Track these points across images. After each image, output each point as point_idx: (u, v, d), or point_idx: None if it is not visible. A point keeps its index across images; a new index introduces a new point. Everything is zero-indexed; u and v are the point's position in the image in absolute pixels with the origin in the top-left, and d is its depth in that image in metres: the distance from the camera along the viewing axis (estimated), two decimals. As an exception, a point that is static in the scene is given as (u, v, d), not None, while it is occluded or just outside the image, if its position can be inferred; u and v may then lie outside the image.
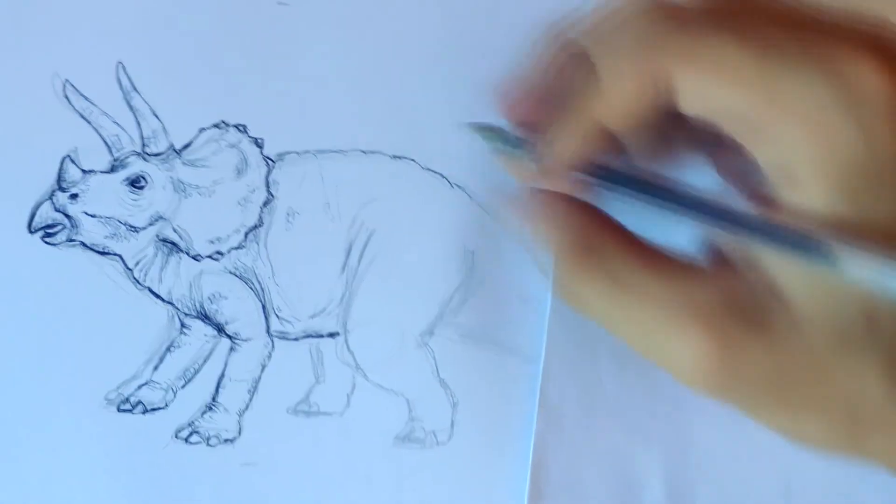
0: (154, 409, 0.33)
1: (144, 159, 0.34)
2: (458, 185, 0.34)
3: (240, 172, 0.34)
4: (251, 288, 0.34)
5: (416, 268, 0.34)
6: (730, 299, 0.24)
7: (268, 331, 0.34)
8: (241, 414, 0.33)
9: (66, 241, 0.33)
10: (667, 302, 0.24)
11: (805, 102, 0.22)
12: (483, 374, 0.34)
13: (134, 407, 0.33)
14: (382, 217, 0.34)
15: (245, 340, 0.34)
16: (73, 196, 0.33)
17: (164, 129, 0.34)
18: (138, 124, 0.33)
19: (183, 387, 0.33)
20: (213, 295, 0.34)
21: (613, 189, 0.27)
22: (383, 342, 0.34)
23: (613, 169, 0.27)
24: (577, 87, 0.26)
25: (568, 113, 0.27)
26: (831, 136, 0.22)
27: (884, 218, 0.22)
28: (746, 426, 0.32)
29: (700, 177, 0.30)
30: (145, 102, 0.33)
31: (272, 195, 0.34)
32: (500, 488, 0.34)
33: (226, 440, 0.33)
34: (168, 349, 0.33)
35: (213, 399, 0.33)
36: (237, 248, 0.34)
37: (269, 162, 0.34)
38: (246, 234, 0.34)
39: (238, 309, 0.34)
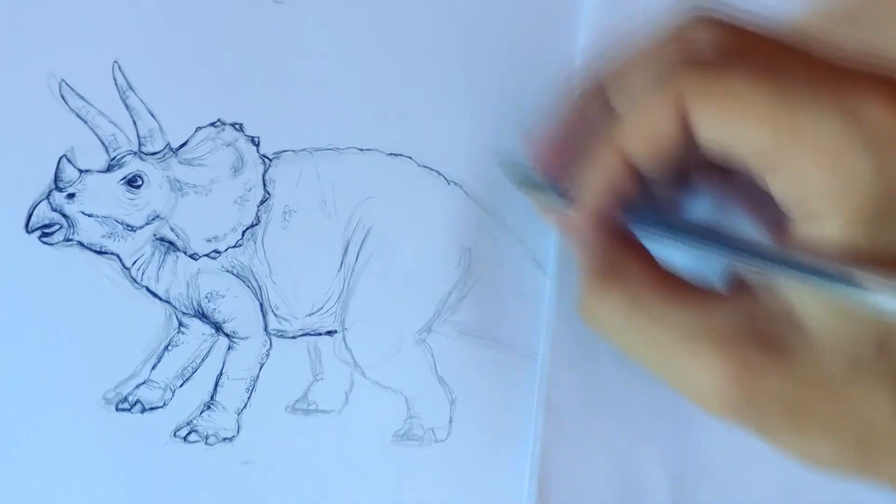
0: (152, 409, 0.33)
1: (141, 158, 0.34)
2: (454, 183, 0.34)
3: (236, 171, 0.34)
4: (248, 286, 0.34)
5: (413, 265, 0.34)
6: (748, 325, 0.24)
7: (266, 329, 0.34)
8: (239, 412, 0.33)
9: (64, 240, 0.33)
10: (686, 327, 0.25)
11: (821, 138, 0.22)
12: (481, 370, 0.34)
13: (132, 406, 0.33)
14: (379, 214, 0.34)
15: (243, 339, 0.34)
16: (70, 196, 0.33)
17: (160, 128, 0.34)
18: (135, 123, 0.33)
19: (181, 386, 0.33)
20: (211, 293, 0.34)
21: (637, 226, 0.28)
22: (381, 340, 0.34)
23: (637, 207, 0.28)
24: (600, 126, 0.27)
25: (593, 147, 0.27)
26: (847, 171, 0.22)
27: None
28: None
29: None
30: (141, 102, 0.33)
31: (269, 193, 0.34)
32: (499, 485, 0.34)
33: (224, 439, 0.33)
34: (166, 348, 0.33)
35: (212, 398, 0.33)
36: (234, 246, 0.34)
37: (266, 160, 0.34)
38: (243, 233, 0.34)
39: (236, 307, 0.34)
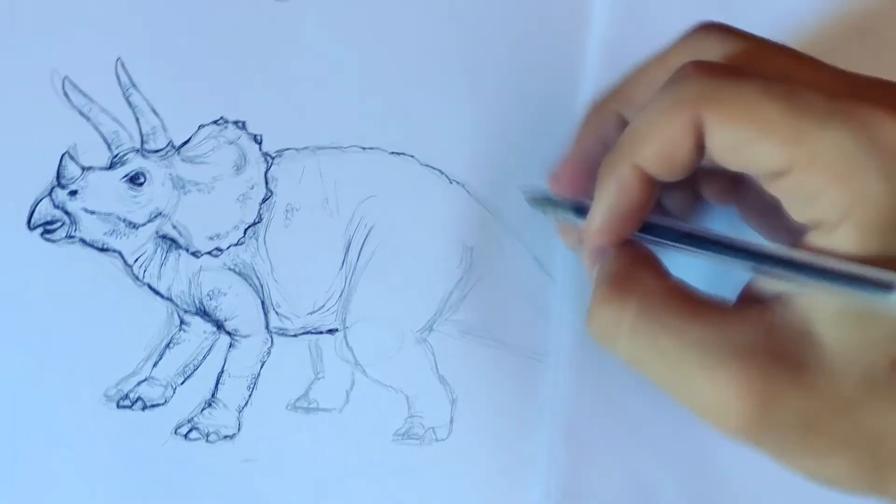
0: (153, 406, 0.33)
1: (143, 156, 0.34)
2: (457, 181, 0.34)
3: (239, 169, 0.34)
4: (250, 284, 0.34)
5: (415, 264, 0.34)
6: (765, 342, 0.24)
7: (267, 327, 0.34)
8: (240, 410, 0.33)
9: (66, 237, 0.33)
10: (702, 340, 0.24)
11: (833, 154, 0.23)
12: (482, 370, 0.34)
13: (133, 403, 0.33)
14: (381, 213, 0.34)
15: (244, 337, 0.34)
16: (73, 193, 0.33)
17: (163, 125, 0.34)
18: (137, 121, 0.33)
19: (182, 383, 0.33)
20: (213, 291, 0.34)
21: (650, 237, 0.28)
22: (382, 338, 0.34)
23: (651, 218, 0.28)
24: (614, 143, 0.27)
25: (607, 161, 0.27)
26: (859, 186, 0.22)
27: None
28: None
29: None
30: (144, 99, 0.34)
31: (271, 191, 0.34)
32: (500, 484, 0.33)
33: (225, 436, 0.33)
34: (167, 346, 0.33)
35: (213, 395, 0.33)
36: (236, 244, 0.34)
37: (268, 158, 0.34)
38: (245, 231, 0.34)
39: (237, 305, 0.34)
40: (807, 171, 0.23)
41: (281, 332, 0.34)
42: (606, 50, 0.35)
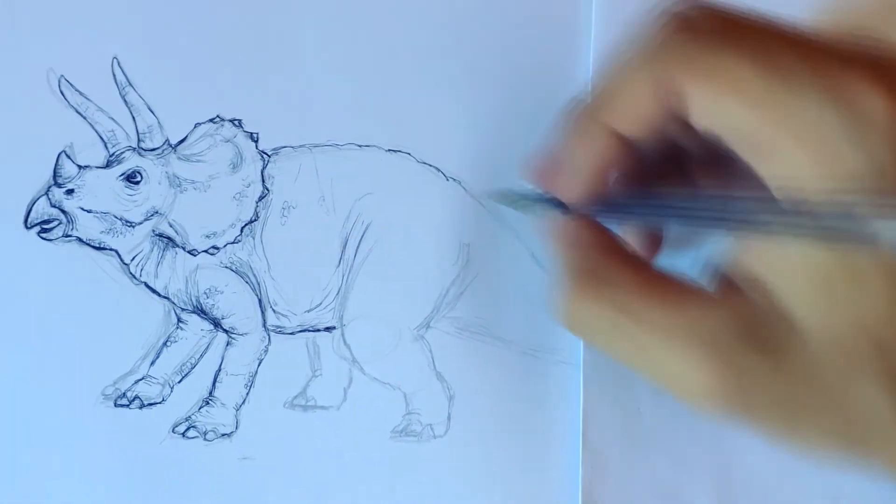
0: (151, 404, 0.33)
1: (140, 154, 0.34)
2: (453, 179, 0.34)
3: (235, 167, 0.34)
4: (247, 282, 0.34)
5: (411, 261, 0.34)
6: (736, 324, 0.24)
7: (264, 325, 0.34)
8: (238, 408, 0.33)
9: (63, 236, 0.33)
10: (671, 327, 0.25)
11: (811, 122, 0.22)
12: (479, 366, 0.34)
13: (131, 402, 0.33)
14: (378, 210, 0.34)
15: (242, 335, 0.34)
16: (69, 192, 0.33)
17: (159, 124, 0.34)
18: (134, 119, 0.34)
19: (180, 381, 0.33)
20: (210, 289, 0.34)
21: (628, 214, 0.28)
22: (380, 336, 0.34)
23: (625, 196, 0.27)
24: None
25: (579, 117, 0.27)
26: (836, 156, 0.22)
27: None
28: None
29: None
30: (140, 97, 0.34)
31: (267, 189, 0.34)
32: (498, 481, 0.33)
33: (223, 435, 0.33)
34: (165, 344, 0.33)
35: (210, 394, 0.33)
36: (233, 242, 0.34)
37: (265, 156, 0.34)
38: (242, 229, 0.34)
39: (234, 303, 0.34)
40: (784, 143, 0.23)
41: (278, 329, 0.34)
42: (603, 48, 0.35)
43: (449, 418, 0.34)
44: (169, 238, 0.34)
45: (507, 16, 0.35)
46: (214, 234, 0.34)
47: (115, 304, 0.33)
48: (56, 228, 0.33)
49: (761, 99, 0.23)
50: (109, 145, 0.33)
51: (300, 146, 0.34)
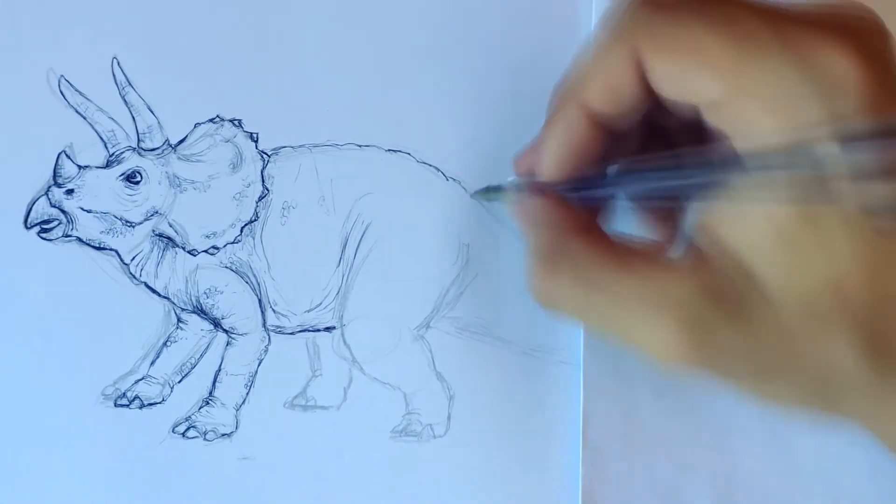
0: (151, 404, 0.33)
1: (140, 154, 0.34)
2: (453, 179, 0.34)
3: (235, 167, 0.34)
4: (247, 282, 0.34)
5: (411, 261, 0.34)
6: (703, 288, 0.24)
7: (264, 325, 0.34)
8: (238, 408, 0.33)
9: (62, 236, 0.33)
10: (637, 297, 0.25)
11: (776, 88, 0.23)
12: (479, 366, 0.34)
13: (131, 402, 0.33)
14: (378, 210, 0.34)
15: (241, 335, 0.34)
16: (69, 192, 0.33)
17: (159, 124, 0.34)
18: (133, 119, 0.34)
19: (180, 381, 0.33)
20: (210, 289, 0.34)
21: (598, 190, 0.28)
22: (380, 336, 0.34)
23: (595, 174, 0.28)
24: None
25: (556, 97, 0.27)
26: (798, 111, 0.22)
27: None
28: (791, 447, 0.33)
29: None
30: (140, 98, 0.34)
31: (267, 189, 0.34)
32: (497, 481, 0.33)
33: (223, 435, 0.33)
34: (165, 344, 0.33)
35: (210, 394, 0.33)
36: (233, 242, 0.34)
37: (265, 156, 0.34)
38: (241, 229, 0.34)
39: (234, 303, 0.34)
40: (747, 107, 0.23)
41: (278, 329, 0.34)
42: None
43: (449, 418, 0.34)
44: (169, 238, 0.34)
45: (506, 16, 0.35)
46: (214, 234, 0.34)
47: (115, 304, 0.33)
48: (56, 228, 0.33)
49: (724, 65, 0.23)
50: (109, 145, 0.33)
51: (300, 146, 0.34)
